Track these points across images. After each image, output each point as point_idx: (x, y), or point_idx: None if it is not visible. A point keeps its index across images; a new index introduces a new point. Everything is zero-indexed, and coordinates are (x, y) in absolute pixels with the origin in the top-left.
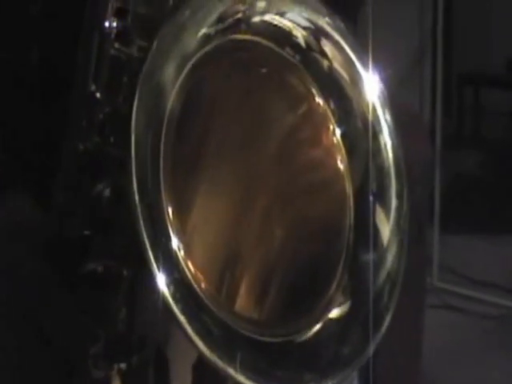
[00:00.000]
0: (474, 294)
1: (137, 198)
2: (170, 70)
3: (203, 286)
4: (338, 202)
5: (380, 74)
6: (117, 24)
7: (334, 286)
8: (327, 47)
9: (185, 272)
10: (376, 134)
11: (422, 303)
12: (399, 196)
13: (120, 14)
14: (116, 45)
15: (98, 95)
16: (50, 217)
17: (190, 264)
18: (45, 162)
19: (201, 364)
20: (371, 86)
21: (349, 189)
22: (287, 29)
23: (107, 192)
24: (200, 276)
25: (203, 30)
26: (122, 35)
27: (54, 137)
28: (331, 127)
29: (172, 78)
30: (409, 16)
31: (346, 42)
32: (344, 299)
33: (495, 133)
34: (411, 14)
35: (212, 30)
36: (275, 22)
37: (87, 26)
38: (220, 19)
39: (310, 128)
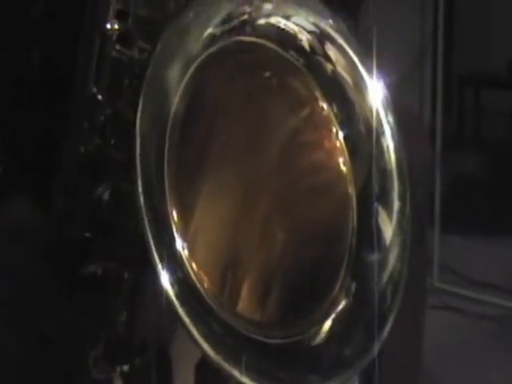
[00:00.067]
0: (474, 295)
1: (142, 199)
2: (174, 72)
3: (206, 285)
4: (340, 204)
5: (383, 77)
6: (118, 26)
7: (336, 288)
8: (331, 51)
9: (189, 272)
10: (378, 136)
11: (423, 304)
12: (401, 198)
13: (121, 15)
14: (117, 47)
15: (99, 97)
16: (51, 219)
17: (193, 264)
18: (45, 164)
19: (203, 364)
20: (374, 89)
21: (351, 191)
22: (292, 32)
23: (108, 194)
24: (203, 276)
25: (209, 30)
26: (123, 37)
27: (54, 138)
28: (334, 130)
29: (176, 80)
30: (409, 17)
31: (350, 46)
32: (347, 301)
33: (495, 133)
34: (412, 15)
35: (218, 31)
36: (280, 25)
37: (88, 28)
38: (225, 20)
39: (312, 131)
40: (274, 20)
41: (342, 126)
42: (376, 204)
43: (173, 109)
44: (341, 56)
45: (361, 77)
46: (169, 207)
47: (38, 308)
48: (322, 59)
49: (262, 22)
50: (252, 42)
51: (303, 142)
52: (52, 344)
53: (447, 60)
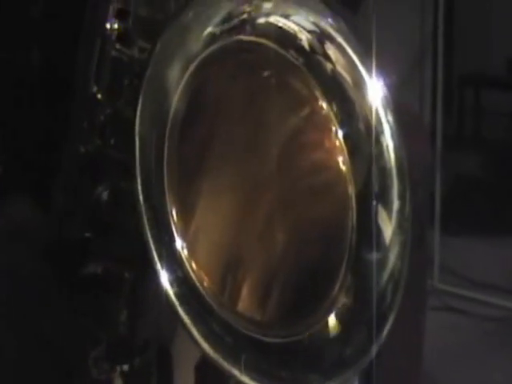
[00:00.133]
0: (475, 296)
1: (141, 198)
2: (174, 72)
3: (206, 285)
4: (340, 203)
5: (382, 76)
6: (118, 25)
7: (336, 287)
8: (331, 50)
9: (188, 272)
10: (378, 135)
11: (424, 305)
12: (401, 197)
13: (121, 15)
14: (117, 46)
15: (99, 97)
16: (51, 218)
17: (193, 264)
18: (45, 164)
19: (203, 364)
20: (373, 88)
21: (351, 190)
22: (292, 31)
23: (107, 194)
24: (203, 276)
25: (209, 29)
26: (123, 36)
27: (54, 138)
28: (334, 129)
29: (176, 79)
30: (409, 17)
31: (349, 45)
32: (347, 300)
33: (496, 134)
34: (412, 15)
35: (217, 30)
36: (280, 24)
37: (88, 28)
38: (225, 19)
39: (312, 130)
40: (273, 19)
41: (342, 125)
42: (376, 203)
43: (172, 108)
44: (340, 55)
45: (360, 76)
46: (168, 206)
47: (38, 308)
48: (321, 58)
49: (261, 21)
50: (252, 42)
51: (303, 141)
52: (52, 344)
53: (447, 60)
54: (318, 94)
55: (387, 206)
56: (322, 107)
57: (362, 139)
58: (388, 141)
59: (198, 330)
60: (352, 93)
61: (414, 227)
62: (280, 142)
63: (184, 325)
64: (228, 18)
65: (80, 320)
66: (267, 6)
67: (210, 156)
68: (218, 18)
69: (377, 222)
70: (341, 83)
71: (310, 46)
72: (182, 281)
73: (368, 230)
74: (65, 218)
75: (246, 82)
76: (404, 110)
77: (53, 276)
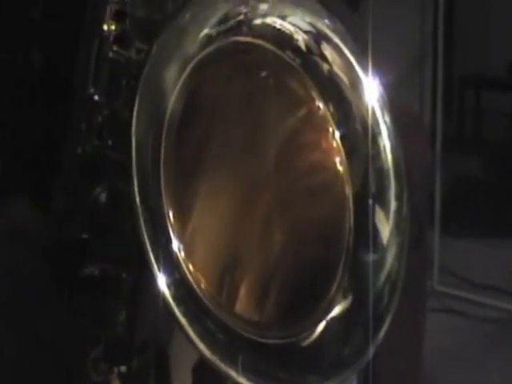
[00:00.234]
0: (475, 298)
1: (138, 199)
2: (171, 73)
3: (203, 287)
4: (337, 204)
5: (379, 76)
6: (115, 27)
7: (334, 288)
8: (327, 51)
9: (185, 273)
10: (375, 136)
11: (423, 307)
12: (399, 198)
13: (118, 16)
14: (114, 48)
15: (96, 98)
16: (50, 219)
17: (190, 265)
18: (45, 164)
19: (201, 366)
20: (370, 88)
21: (348, 191)
22: (288, 32)
23: (105, 195)
24: (200, 277)
25: (205, 31)
26: (120, 38)
27: (54, 139)
28: (331, 130)
29: (173, 81)
30: (409, 17)
31: (346, 46)
32: (345, 301)
33: (496, 135)
34: (412, 15)
35: (214, 31)
36: (277, 25)
37: (86, 29)
38: (222, 21)
39: (309, 131)
40: (270, 20)
41: (339, 126)
42: (373, 203)
43: (169, 109)
44: (337, 56)
45: (357, 76)
46: (165, 208)
47: (37, 308)
48: (318, 59)
49: (258, 22)
50: (248, 43)
51: (300, 142)
52: (51, 344)
53: (447, 61)
54: (314, 94)
55: (384, 206)
56: (318, 108)
57: (359, 140)
58: (385, 141)
59: (195, 331)
60: (349, 93)
61: (413, 228)
62: (277, 142)
63: (181, 326)
64: (224, 19)
65: (79, 320)
66: (263, 7)
67: (206, 157)
68: (214, 20)
69: (374, 223)
70: (337, 84)
71: (307, 46)
72: (179, 283)
73: (365, 231)
74: (64, 218)
75: (242, 83)
76: (404, 111)
77: (52, 276)
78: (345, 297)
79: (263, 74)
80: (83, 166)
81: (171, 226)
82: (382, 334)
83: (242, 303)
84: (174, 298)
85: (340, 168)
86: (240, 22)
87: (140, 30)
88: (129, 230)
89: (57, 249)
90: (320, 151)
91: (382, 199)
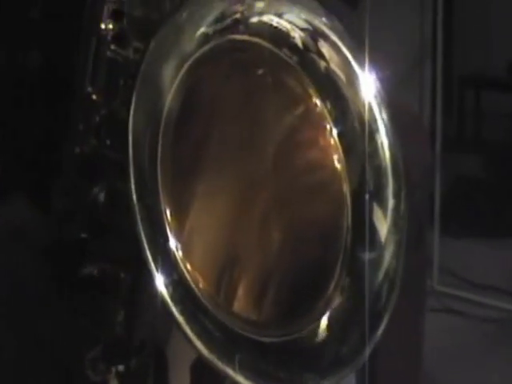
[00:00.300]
0: (475, 298)
1: (135, 197)
2: (168, 71)
3: (201, 286)
4: (335, 201)
5: (376, 73)
6: (113, 26)
7: (332, 286)
8: (324, 48)
9: (183, 273)
10: (373, 133)
11: (423, 306)
12: (396, 195)
13: (116, 16)
14: (112, 47)
15: (94, 97)
16: (50, 219)
17: (188, 265)
18: (45, 164)
19: (199, 365)
20: (367, 85)
21: (346, 189)
22: (285, 30)
23: (104, 195)
24: (198, 277)
25: (202, 30)
26: (118, 37)
27: (54, 139)
28: (328, 127)
29: (170, 79)
30: (409, 17)
31: (343, 43)
32: (343, 299)
33: (496, 135)
34: (412, 15)
35: (210, 30)
36: (273, 23)
37: (84, 29)
38: (218, 19)
39: (307, 129)
40: (266, 18)
41: (336, 123)
42: (370, 201)
43: (166, 107)
44: (334, 53)
45: (354, 74)
46: (162, 206)
47: (37, 308)
48: (315, 56)
49: (254, 20)
50: (245, 41)
51: (297, 140)
52: (50, 344)
53: (447, 61)
54: (311, 92)
55: (382, 204)
56: (316, 105)
57: (356, 137)
58: (383, 138)
59: (193, 330)
60: (346, 90)
61: (412, 227)
62: (274, 140)
63: (178, 325)
64: (221, 17)
65: (78, 320)
66: (260, 5)
67: (203, 155)
68: (211, 18)
69: (372, 221)
70: (335, 81)
71: (304, 44)
72: (176, 282)
73: (363, 229)
74: (63, 218)
75: (239, 81)
76: (404, 111)
77: (51, 276)
78: (343, 295)
79: (260, 71)
80: (81, 166)
81: (168, 224)
82: (379, 332)
83: (240, 302)
84: (172, 297)
85: (338, 166)
86: (236, 21)
87: (137, 30)
88: (127, 229)
89: (56, 249)
90: (317, 149)
91: (379, 197)
